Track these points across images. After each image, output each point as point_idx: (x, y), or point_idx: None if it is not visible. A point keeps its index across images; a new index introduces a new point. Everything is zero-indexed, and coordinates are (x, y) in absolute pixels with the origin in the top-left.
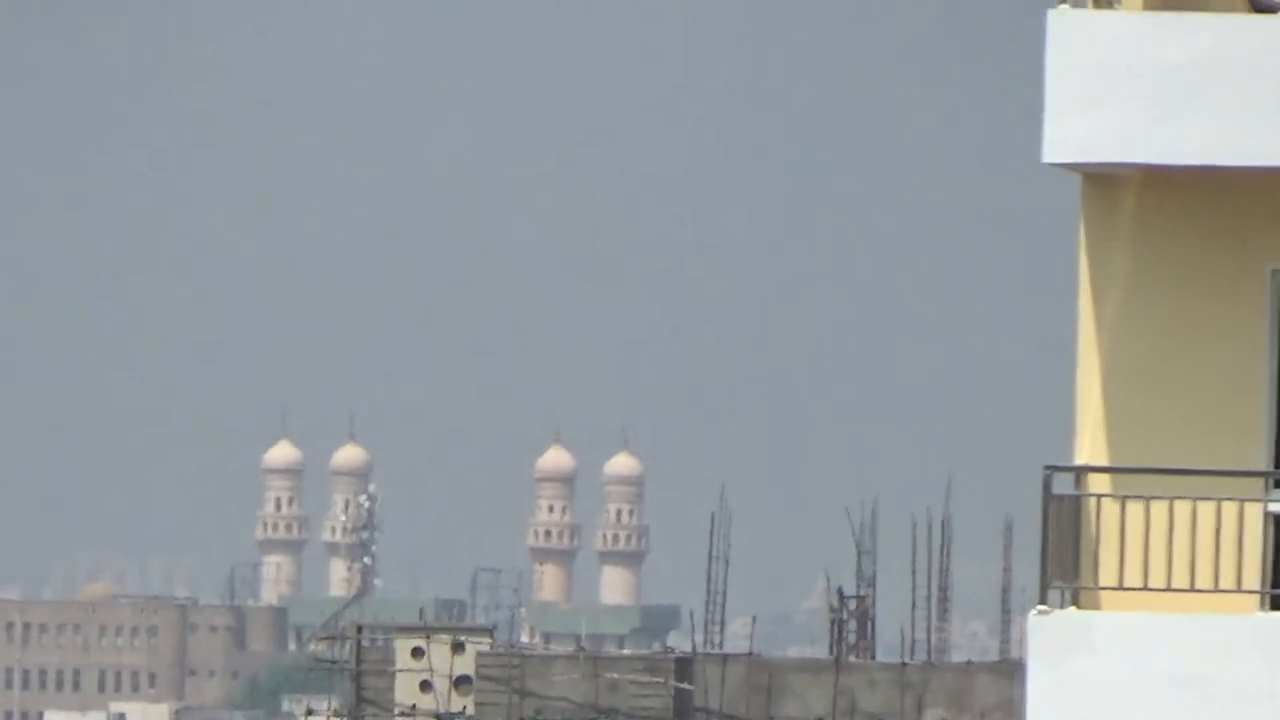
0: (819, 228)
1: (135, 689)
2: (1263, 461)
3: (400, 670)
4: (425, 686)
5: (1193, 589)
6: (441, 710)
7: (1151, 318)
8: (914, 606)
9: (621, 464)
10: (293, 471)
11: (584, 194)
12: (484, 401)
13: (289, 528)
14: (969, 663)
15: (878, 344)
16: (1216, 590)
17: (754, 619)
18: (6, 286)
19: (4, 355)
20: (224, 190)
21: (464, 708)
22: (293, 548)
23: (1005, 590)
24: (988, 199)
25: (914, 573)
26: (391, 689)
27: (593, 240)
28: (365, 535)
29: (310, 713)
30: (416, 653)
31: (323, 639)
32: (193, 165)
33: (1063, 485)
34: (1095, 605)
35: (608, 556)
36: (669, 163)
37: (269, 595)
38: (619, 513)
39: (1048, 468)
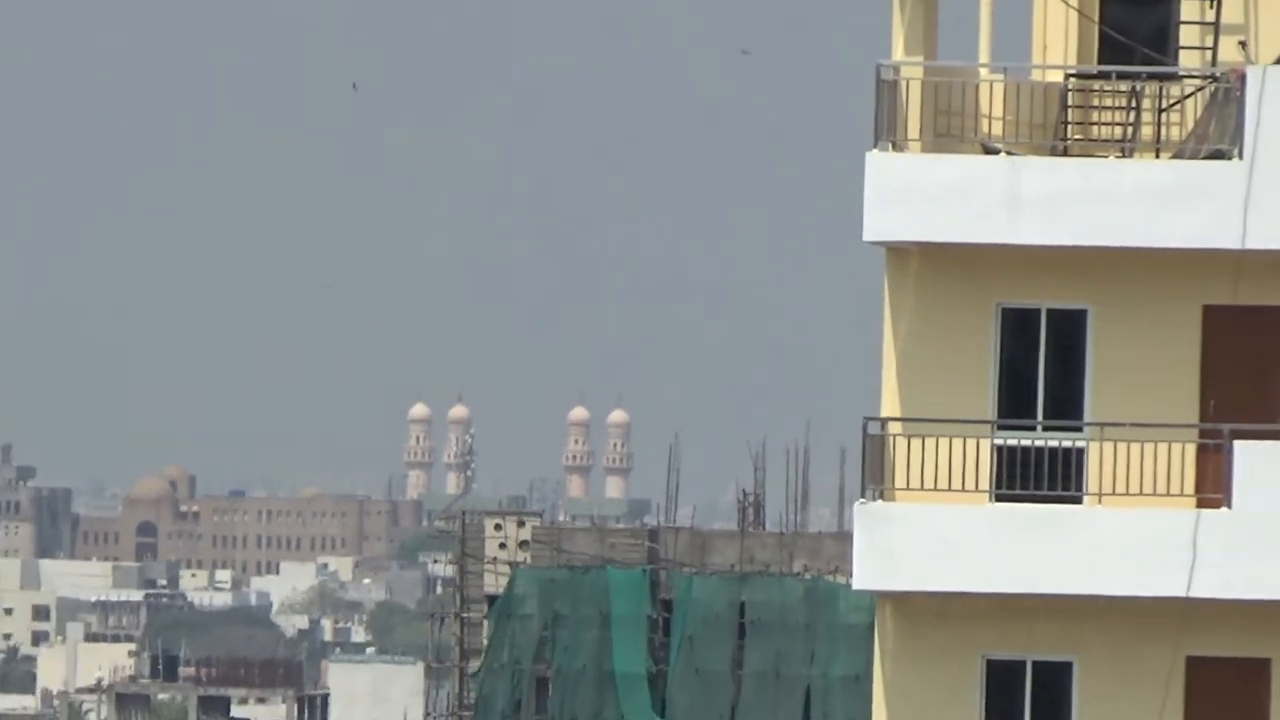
0: (730, 264)
1: (332, 549)
2: (990, 414)
3: (487, 537)
4: (502, 546)
5: (949, 489)
6: (512, 560)
7: (925, 333)
8: (787, 499)
9: (618, 416)
10: (425, 422)
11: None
12: (537, 378)
13: (423, 455)
14: (820, 533)
15: (768, 348)
16: (964, 490)
17: (694, 507)
18: (229, 291)
19: (250, 346)
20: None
21: (525, 559)
22: (425, 466)
23: (841, 490)
24: (831, 265)
25: (787, 479)
26: (482, 548)
27: (590, 254)
28: (468, 459)
29: (435, 561)
30: (497, 527)
31: (443, 519)
32: (353, 196)
33: (874, 428)
34: (893, 499)
35: (609, 471)
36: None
37: (412, 493)
38: (616, 445)
39: (866, 418)
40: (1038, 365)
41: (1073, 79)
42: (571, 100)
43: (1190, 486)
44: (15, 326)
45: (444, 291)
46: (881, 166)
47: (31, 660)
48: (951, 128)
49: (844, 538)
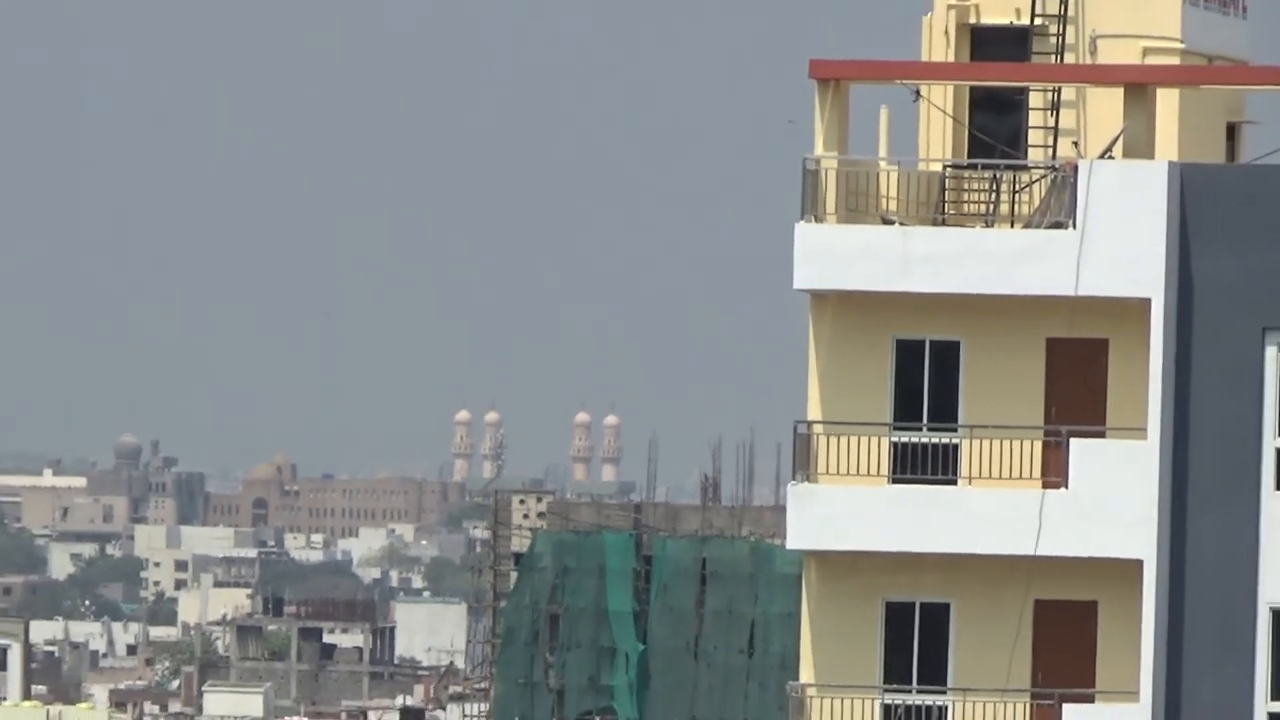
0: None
1: (398, 518)
2: (888, 419)
3: (514, 509)
4: (525, 517)
5: (858, 474)
6: (532, 526)
7: (839, 358)
8: (738, 481)
9: (611, 419)
10: (467, 423)
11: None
12: (551, 390)
13: (466, 448)
14: (761, 507)
15: (723, 369)
16: (868, 475)
17: (668, 487)
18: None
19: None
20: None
21: (542, 526)
22: (467, 457)
23: (777, 474)
24: (770, 307)
25: (737, 467)
26: (510, 518)
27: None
28: (499, 451)
29: (475, 528)
30: (521, 502)
31: (480, 496)
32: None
33: (802, 429)
34: (816, 481)
35: (605, 460)
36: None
37: (457, 477)
38: (609, 441)
39: (796, 421)
40: (923, 382)
41: (949, 169)
42: (580, 151)
43: (1038, 472)
44: (161, 347)
45: (483, 324)
46: (807, 233)
47: (174, 601)
48: (858, 205)
49: (779, 510)
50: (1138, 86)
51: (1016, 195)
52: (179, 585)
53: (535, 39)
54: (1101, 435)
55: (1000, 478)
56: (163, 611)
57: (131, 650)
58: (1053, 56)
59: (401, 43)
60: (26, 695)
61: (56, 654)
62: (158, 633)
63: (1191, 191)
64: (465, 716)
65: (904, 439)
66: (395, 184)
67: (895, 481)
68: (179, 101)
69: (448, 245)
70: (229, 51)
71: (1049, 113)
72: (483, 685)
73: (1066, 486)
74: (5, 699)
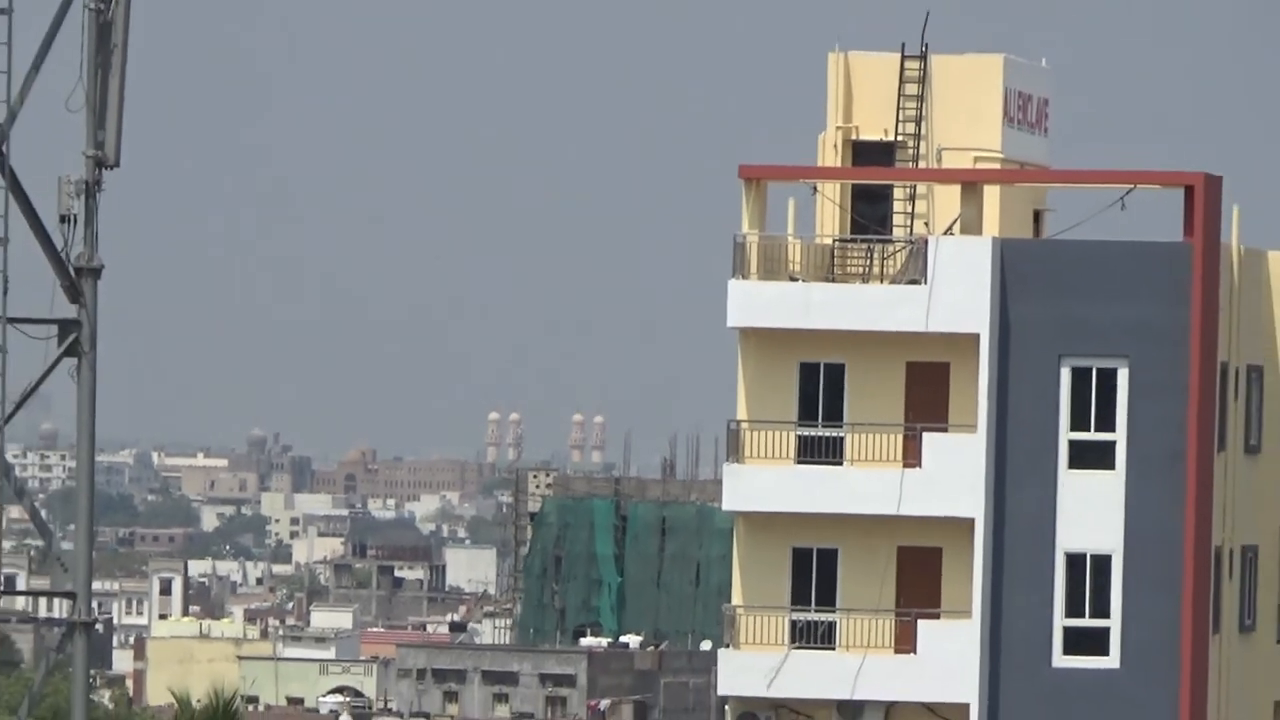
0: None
1: (448, 488)
2: (794, 418)
3: (530, 482)
4: (537, 488)
5: (773, 458)
6: (542, 494)
7: (760, 376)
8: (688, 462)
9: (599, 419)
10: (496, 421)
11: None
12: (556, 399)
13: (496, 439)
14: (705, 480)
15: (678, 386)
16: (780, 458)
17: (638, 467)
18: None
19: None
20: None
21: (550, 493)
22: (497, 446)
23: (716, 458)
24: (712, 341)
25: (687, 452)
26: (527, 488)
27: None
28: (519, 441)
29: (503, 495)
30: (534, 477)
31: (507, 473)
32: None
33: (733, 425)
34: (744, 463)
35: (594, 447)
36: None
37: (489, 459)
38: (597, 433)
39: (728, 420)
40: (819, 392)
41: (837, 241)
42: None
43: (900, 456)
44: (282, 365)
45: (509, 351)
46: (737, 287)
47: (289, 547)
48: (773, 267)
49: (718, 483)
50: (971, 184)
51: (885, 260)
52: (293, 535)
53: (551, 62)
54: (945, 430)
55: (873, 460)
56: (281, 554)
57: (259, 581)
58: (911, 163)
59: (410, 53)
60: (185, 613)
61: (206, 584)
62: (278, 569)
63: (1009, 258)
64: (496, 628)
65: (805, 433)
66: (453, 219)
67: (799, 463)
68: (303, 123)
69: (482, 285)
70: (328, 68)
71: (908, 202)
72: (508, 606)
73: (920, 466)
74: (170, 615)
